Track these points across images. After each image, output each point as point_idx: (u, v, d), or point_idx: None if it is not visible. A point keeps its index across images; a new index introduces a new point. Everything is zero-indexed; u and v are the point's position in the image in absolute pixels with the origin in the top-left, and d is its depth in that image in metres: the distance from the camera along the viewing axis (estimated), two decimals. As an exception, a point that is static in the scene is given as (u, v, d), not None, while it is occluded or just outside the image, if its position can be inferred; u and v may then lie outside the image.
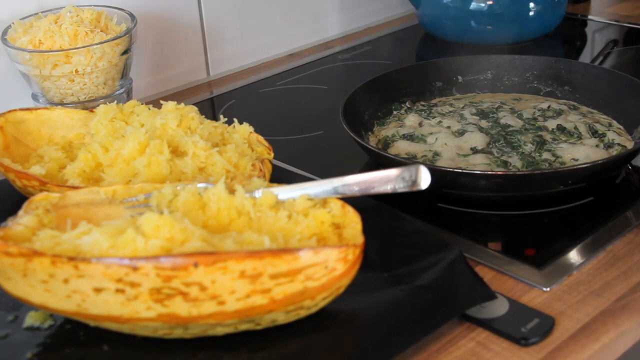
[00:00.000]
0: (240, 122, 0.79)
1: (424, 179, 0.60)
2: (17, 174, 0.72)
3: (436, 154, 0.86)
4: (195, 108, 0.78)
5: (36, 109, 0.80)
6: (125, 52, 0.93)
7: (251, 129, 0.79)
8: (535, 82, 1.02)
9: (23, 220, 0.61)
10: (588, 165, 0.78)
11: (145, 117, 0.76)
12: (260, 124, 1.04)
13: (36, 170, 0.72)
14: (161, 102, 0.77)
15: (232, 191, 0.64)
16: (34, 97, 0.94)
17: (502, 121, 0.92)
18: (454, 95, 1.03)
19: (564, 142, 0.87)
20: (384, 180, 0.61)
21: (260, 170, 0.72)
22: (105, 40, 0.90)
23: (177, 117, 0.74)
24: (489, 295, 0.63)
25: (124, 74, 0.95)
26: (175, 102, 0.77)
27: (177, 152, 0.73)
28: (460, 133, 0.90)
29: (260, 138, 0.80)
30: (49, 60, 0.88)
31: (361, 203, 0.67)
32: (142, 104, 0.78)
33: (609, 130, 0.89)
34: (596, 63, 1.12)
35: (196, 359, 0.58)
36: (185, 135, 0.73)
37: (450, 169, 0.79)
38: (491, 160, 0.84)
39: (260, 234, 0.59)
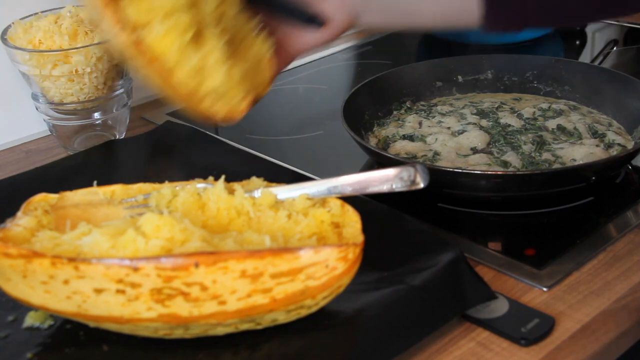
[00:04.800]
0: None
1: (423, 179, 0.60)
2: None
3: (436, 153, 0.86)
4: None
5: None
6: (125, 52, 0.93)
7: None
8: (535, 82, 1.02)
9: (22, 222, 0.61)
10: (588, 165, 0.78)
11: None
12: (261, 124, 1.04)
13: None
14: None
15: (231, 191, 0.64)
16: (34, 97, 0.94)
17: (502, 121, 0.92)
18: (454, 95, 1.03)
19: (564, 142, 0.87)
20: (382, 179, 0.62)
21: None
22: (105, 40, 0.90)
23: None
24: (489, 295, 0.63)
25: (124, 74, 0.95)
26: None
27: None
28: (460, 133, 0.90)
29: None
30: (48, 60, 0.88)
31: (361, 203, 0.67)
32: None
33: (609, 130, 0.89)
34: (596, 63, 1.12)
35: (196, 359, 0.58)
36: None
37: (450, 169, 0.79)
38: (491, 160, 0.84)
39: (260, 234, 0.59)
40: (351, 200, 0.64)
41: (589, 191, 0.80)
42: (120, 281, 0.54)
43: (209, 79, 0.70)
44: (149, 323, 0.56)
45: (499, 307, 0.63)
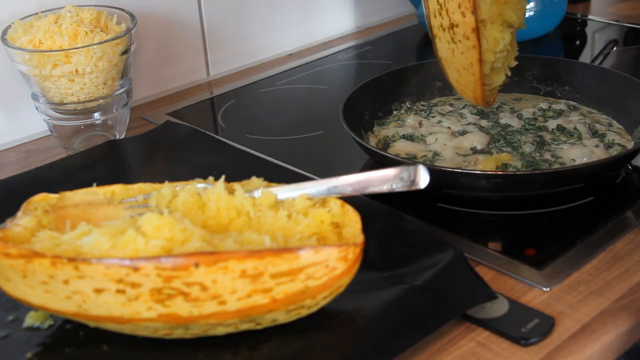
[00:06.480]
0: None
1: (423, 179, 0.60)
2: None
3: (436, 154, 0.86)
4: None
5: None
6: (125, 52, 0.93)
7: None
8: (535, 82, 1.02)
9: (22, 222, 0.61)
10: (588, 165, 0.78)
11: None
12: (260, 124, 1.04)
13: None
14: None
15: (231, 191, 0.64)
16: (34, 97, 0.94)
17: (502, 121, 0.92)
18: (454, 95, 1.03)
19: (564, 143, 0.87)
20: (382, 179, 0.61)
21: None
22: (105, 40, 0.90)
23: None
24: (489, 295, 0.63)
25: (124, 73, 0.95)
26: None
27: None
28: (460, 133, 0.90)
29: None
30: (49, 60, 0.88)
31: (361, 202, 0.67)
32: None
33: (609, 130, 0.89)
34: (596, 63, 1.12)
35: (196, 359, 0.58)
36: None
37: (450, 169, 0.79)
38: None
39: (260, 234, 0.59)
40: (351, 200, 0.64)
41: (589, 191, 0.80)
42: (120, 281, 0.54)
43: (496, 76, 0.85)
44: (149, 323, 0.56)
45: (499, 307, 0.63)
